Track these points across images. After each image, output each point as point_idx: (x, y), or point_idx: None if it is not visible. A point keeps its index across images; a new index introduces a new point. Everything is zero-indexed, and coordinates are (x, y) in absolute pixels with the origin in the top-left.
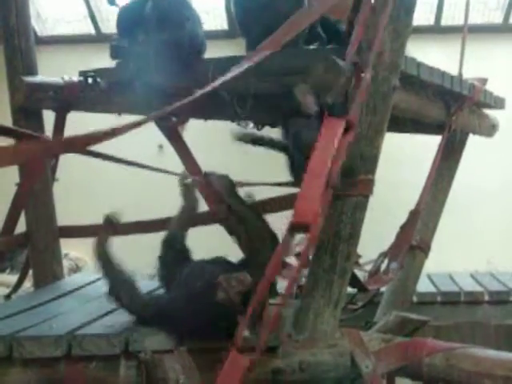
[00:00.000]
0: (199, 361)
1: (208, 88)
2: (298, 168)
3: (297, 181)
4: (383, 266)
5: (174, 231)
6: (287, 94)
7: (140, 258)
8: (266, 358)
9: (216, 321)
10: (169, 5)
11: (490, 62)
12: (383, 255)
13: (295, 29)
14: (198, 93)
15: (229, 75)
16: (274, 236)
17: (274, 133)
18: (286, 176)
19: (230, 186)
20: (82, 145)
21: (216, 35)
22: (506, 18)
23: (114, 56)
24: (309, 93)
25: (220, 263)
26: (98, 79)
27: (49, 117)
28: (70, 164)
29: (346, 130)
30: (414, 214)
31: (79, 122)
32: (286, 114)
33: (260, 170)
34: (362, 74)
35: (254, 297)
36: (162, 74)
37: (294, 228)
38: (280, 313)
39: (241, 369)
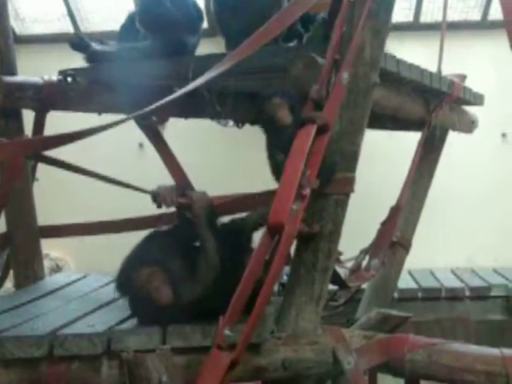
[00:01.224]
0: (182, 360)
1: (189, 87)
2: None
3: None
4: (364, 263)
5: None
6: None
7: None
8: (249, 356)
9: None
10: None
11: (468, 58)
12: (364, 252)
13: (277, 27)
14: (178, 92)
15: (209, 74)
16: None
17: (255, 130)
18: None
19: (207, 214)
20: (60, 143)
21: None
22: (485, 15)
23: (90, 61)
24: (282, 105)
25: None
26: (78, 78)
27: (28, 116)
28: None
29: (322, 132)
30: (394, 211)
31: (59, 122)
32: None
33: (241, 168)
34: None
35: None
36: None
37: (270, 228)
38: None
39: (223, 367)
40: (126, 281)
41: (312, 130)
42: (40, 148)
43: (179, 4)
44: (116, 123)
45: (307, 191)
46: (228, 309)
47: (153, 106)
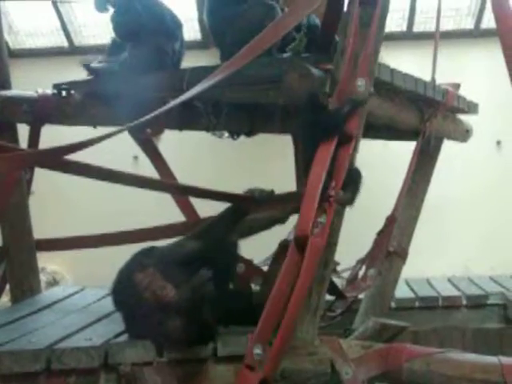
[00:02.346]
0: (179, 372)
1: (182, 98)
2: None
3: None
4: (361, 273)
5: None
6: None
7: None
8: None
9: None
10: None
11: (462, 67)
12: (361, 262)
13: (271, 38)
14: (171, 103)
15: (203, 85)
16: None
17: (249, 141)
18: (263, 185)
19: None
20: (56, 156)
21: (190, 45)
22: (478, 23)
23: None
24: None
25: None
26: (72, 92)
27: (23, 130)
28: (45, 177)
29: (345, 142)
30: (390, 220)
31: (54, 136)
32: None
33: (236, 180)
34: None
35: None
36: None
37: (297, 241)
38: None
39: None
40: (125, 292)
41: (333, 141)
42: (35, 162)
43: (152, 12)
44: (110, 135)
45: (333, 203)
46: (257, 327)
47: (147, 117)
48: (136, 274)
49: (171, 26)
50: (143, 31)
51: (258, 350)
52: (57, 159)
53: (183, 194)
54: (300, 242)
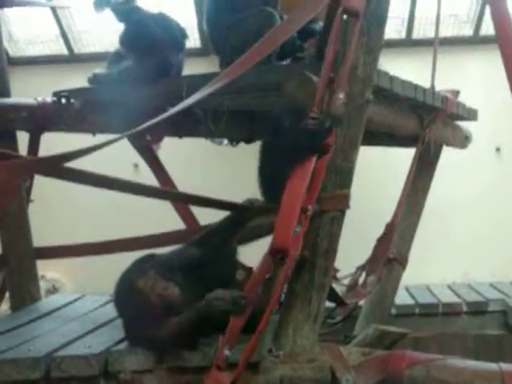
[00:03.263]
0: (178, 380)
1: (181, 105)
2: None
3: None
4: (361, 280)
5: None
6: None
7: None
8: (247, 374)
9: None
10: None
11: (461, 73)
12: (361, 269)
13: (270, 45)
14: (171, 110)
15: (203, 92)
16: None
17: (249, 148)
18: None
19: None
20: (56, 164)
21: (189, 53)
22: (477, 30)
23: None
24: None
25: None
26: (72, 99)
27: (23, 138)
28: (44, 184)
29: (322, 154)
30: (390, 227)
31: (53, 143)
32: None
33: (238, 187)
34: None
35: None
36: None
37: (273, 252)
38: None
39: None
40: (128, 298)
41: (313, 158)
42: (34, 169)
43: (164, 25)
44: (109, 142)
45: (309, 214)
46: (227, 329)
47: (147, 124)
48: (138, 280)
49: (179, 39)
50: (153, 43)
51: (227, 352)
52: (56, 167)
53: (182, 201)
54: (277, 252)
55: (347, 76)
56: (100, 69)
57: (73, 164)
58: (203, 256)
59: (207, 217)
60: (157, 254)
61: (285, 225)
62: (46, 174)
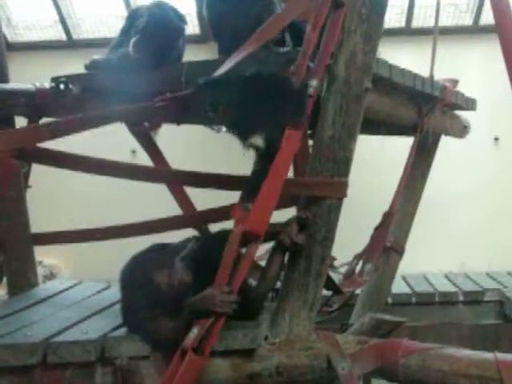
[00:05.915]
0: None
1: (181, 93)
2: None
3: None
4: (358, 268)
5: None
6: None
7: None
8: (242, 362)
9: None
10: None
11: (460, 63)
12: (358, 257)
13: (270, 31)
14: (169, 96)
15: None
16: None
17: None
18: None
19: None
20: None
21: (188, 39)
22: (476, 19)
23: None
24: None
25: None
26: (70, 85)
27: (21, 124)
28: (42, 170)
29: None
30: (387, 216)
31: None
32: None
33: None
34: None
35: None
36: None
37: (244, 234)
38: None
39: (197, 369)
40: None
41: (299, 137)
42: (31, 140)
43: (162, 10)
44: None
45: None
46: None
47: (144, 105)
48: (159, 271)
49: (179, 25)
50: (153, 29)
51: (195, 330)
52: (51, 138)
53: (180, 182)
54: (249, 236)
55: (324, 65)
56: (100, 55)
57: (69, 150)
58: (210, 249)
59: (204, 202)
60: (168, 245)
61: (263, 208)
62: (43, 162)
